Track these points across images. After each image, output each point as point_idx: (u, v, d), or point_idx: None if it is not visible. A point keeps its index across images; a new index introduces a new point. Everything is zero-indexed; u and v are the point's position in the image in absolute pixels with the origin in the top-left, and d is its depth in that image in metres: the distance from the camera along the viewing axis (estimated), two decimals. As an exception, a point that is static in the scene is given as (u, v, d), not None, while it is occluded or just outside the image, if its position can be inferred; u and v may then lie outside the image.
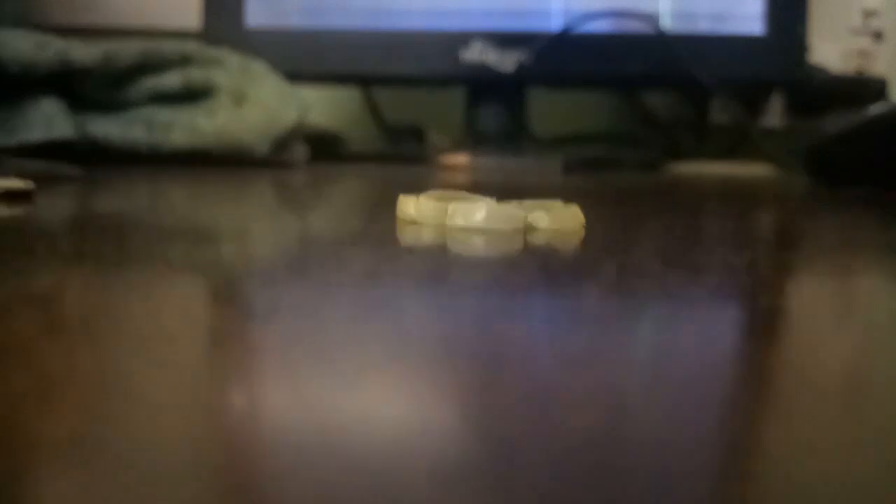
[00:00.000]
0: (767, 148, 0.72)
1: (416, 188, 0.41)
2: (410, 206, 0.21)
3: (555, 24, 0.69)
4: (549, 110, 0.82)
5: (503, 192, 0.41)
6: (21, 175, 0.37)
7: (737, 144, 0.76)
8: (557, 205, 0.23)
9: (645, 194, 0.37)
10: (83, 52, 0.52)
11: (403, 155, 0.69)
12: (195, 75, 0.56)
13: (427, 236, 0.19)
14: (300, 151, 0.61)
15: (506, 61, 0.69)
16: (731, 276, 0.14)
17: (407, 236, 0.18)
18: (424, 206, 0.21)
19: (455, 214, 0.20)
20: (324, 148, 0.70)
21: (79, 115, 0.53)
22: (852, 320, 0.11)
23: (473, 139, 0.74)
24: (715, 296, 0.12)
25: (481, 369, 0.08)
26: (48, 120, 0.51)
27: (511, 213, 0.20)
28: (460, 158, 0.68)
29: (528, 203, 0.24)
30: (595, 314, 0.11)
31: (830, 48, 0.75)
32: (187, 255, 0.15)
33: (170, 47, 0.56)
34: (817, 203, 0.36)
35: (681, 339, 0.09)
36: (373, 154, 0.70)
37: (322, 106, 0.84)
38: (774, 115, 0.74)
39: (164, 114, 0.55)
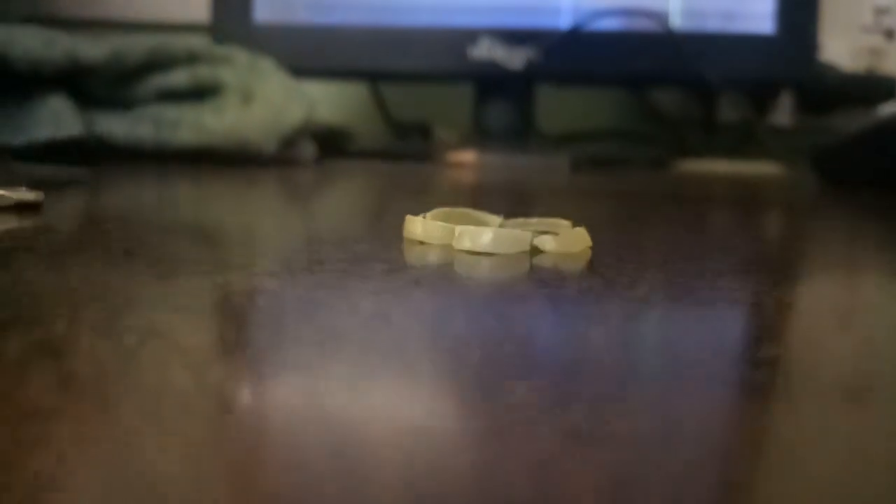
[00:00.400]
0: (776, 146, 0.72)
1: (423, 189, 0.41)
2: (418, 226, 0.21)
3: (564, 22, 0.68)
4: (557, 107, 0.82)
5: (510, 191, 0.41)
6: (30, 180, 0.37)
7: (745, 142, 0.76)
8: (565, 226, 0.23)
9: (652, 199, 0.37)
10: (91, 50, 0.52)
11: (410, 152, 0.69)
12: (203, 73, 0.56)
13: (434, 260, 0.19)
14: (308, 149, 0.61)
15: (514, 58, 0.69)
16: (739, 318, 0.14)
17: (414, 260, 0.18)
18: (431, 228, 0.21)
19: (462, 237, 0.20)
20: (332, 144, 0.70)
21: (86, 113, 0.53)
22: (869, 379, 0.11)
23: (481, 136, 0.74)
24: (719, 347, 0.12)
25: (481, 442, 0.08)
26: (56, 118, 0.51)
27: (517, 237, 0.20)
28: (467, 156, 0.68)
29: (535, 221, 0.24)
30: (596, 368, 0.11)
31: (841, 46, 0.75)
32: (194, 285, 0.15)
33: (178, 45, 0.56)
34: (826, 210, 0.36)
35: (684, 399, 0.10)
36: (380, 151, 0.70)
37: (329, 102, 0.84)
38: (784, 113, 0.74)
39: (171, 111, 0.55)
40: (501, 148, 0.69)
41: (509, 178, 0.53)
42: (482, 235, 0.20)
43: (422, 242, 0.21)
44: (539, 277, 0.17)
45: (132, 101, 0.55)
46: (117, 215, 0.25)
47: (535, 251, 0.20)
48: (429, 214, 0.23)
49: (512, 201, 0.36)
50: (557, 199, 0.39)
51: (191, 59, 0.56)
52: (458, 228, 0.20)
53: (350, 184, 0.44)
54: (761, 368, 0.11)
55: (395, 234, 0.23)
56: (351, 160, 0.68)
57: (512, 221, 0.24)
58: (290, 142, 0.59)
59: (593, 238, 0.24)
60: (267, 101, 0.57)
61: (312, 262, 0.18)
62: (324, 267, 0.17)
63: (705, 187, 0.52)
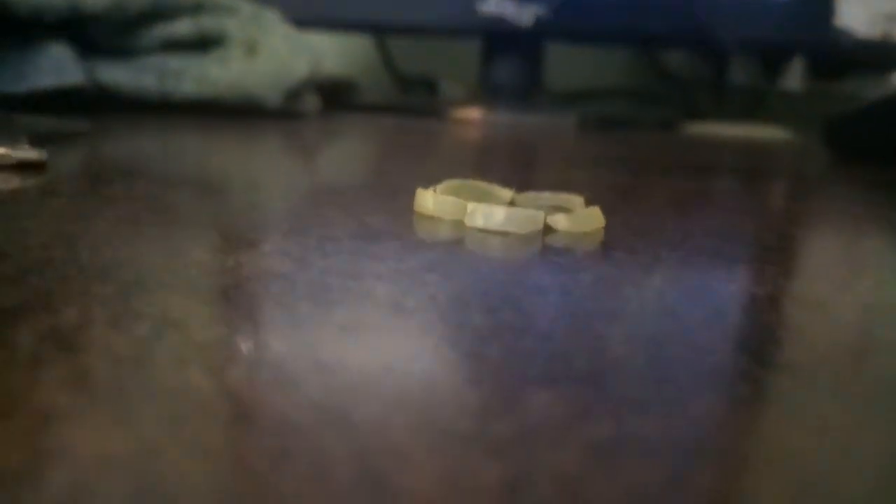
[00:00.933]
0: (786, 111, 0.71)
1: (428, 147, 0.40)
2: (429, 200, 0.21)
3: (575, -22, 0.67)
4: (565, 65, 0.81)
5: (515, 151, 0.41)
6: (31, 132, 0.36)
7: (755, 106, 0.75)
8: (578, 203, 0.23)
9: (661, 166, 0.37)
10: (94, -2, 0.51)
11: (416, 107, 0.68)
12: (207, 23, 0.55)
13: (445, 237, 0.18)
14: (312, 102, 0.61)
15: (523, 14, 0.67)
16: (753, 309, 0.14)
17: (425, 237, 0.18)
18: (442, 203, 0.20)
19: (474, 215, 0.20)
20: (336, 96, 0.69)
21: (88, 61, 0.52)
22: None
23: (487, 92, 0.73)
24: (733, 339, 0.12)
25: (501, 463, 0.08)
26: (58, 66, 0.50)
27: (531, 217, 0.19)
28: (473, 113, 0.67)
29: (547, 195, 0.24)
30: (612, 370, 0.11)
31: (857, 11, 0.74)
32: (197, 271, 0.14)
33: (182, -6, 0.54)
34: (835, 183, 0.35)
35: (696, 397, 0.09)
36: (385, 105, 0.69)
37: (335, 54, 0.83)
38: (795, 77, 0.73)
39: (175, 62, 0.54)
40: (508, 105, 0.68)
41: (515, 138, 0.53)
42: (495, 214, 0.19)
43: (433, 217, 0.21)
44: (554, 261, 0.17)
45: (135, 51, 0.54)
46: (121, 172, 0.25)
47: (548, 230, 0.20)
48: (439, 187, 0.23)
49: (517, 164, 0.36)
50: (564, 164, 0.38)
51: (195, 8, 0.55)
52: (471, 205, 0.20)
53: (354, 140, 0.43)
54: (776, 368, 0.11)
55: (401, 196, 0.22)
56: (355, 113, 0.67)
57: (524, 195, 0.24)
58: (294, 94, 0.58)
59: (603, 210, 0.23)
60: (272, 54, 0.56)
61: (323, 238, 0.18)
62: (334, 244, 0.17)
63: (713, 153, 0.51)
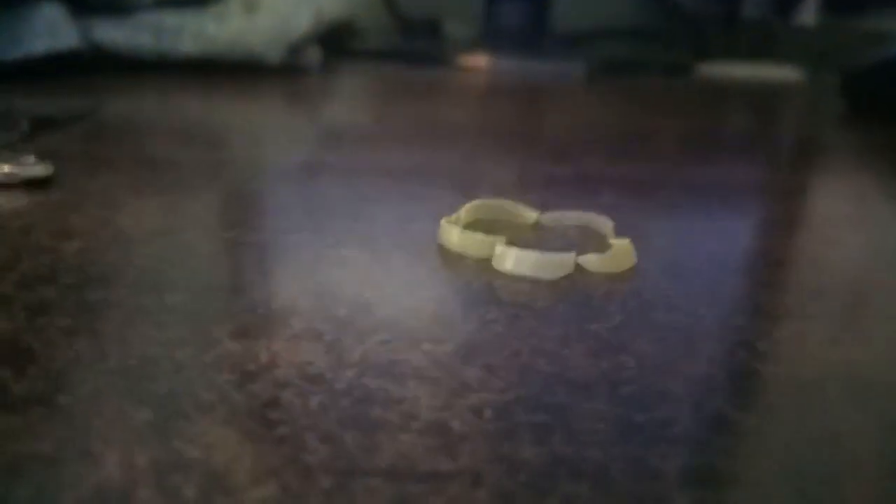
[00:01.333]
0: (801, 48, 0.69)
1: (436, 114, 0.39)
2: (454, 236, 0.20)
3: (584, -86, 0.64)
4: (572, 5, 0.78)
5: (523, 97, 0.40)
6: (32, 118, 0.35)
7: (768, 43, 0.73)
8: (607, 228, 0.22)
9: (675, 138, 0.36)
10: (84, -46, 0.49)
11: (419, 55, 0.66)
12: (203, -22, 0.52)
13: (472, 282, 0.18)
14: (313, 54, 0.59)
15: (530, -46, 0.65)
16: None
17: (456, 302, 0.18)
18: (468, 240, 0.20)
19: (503, 258, 0.19)
20: (338, 41, 0.67)
21: (83, 20, 0.51)
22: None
23: (493, 35, 0.71)
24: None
25: None
26: (52, 28, 0.49)
27: (561, 261, 0.19)
28: (479, 60, 0.65)
29: (573, 216, 0.23)
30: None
31: (877, -59, 0.71)
32: (230, 378, 0.14)
33: (175, -53, 0.52)
34: (850, 144, 0.34)
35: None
36: (388, 52, 0.67)
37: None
38: (810, 12, 0.71)
39: (171, 19, 0.52)
40: (514, 51, 0.66)
41: (522, 96, 0.52)
42: (524, 259, 0.19)
43: (458, 252, 0.20)
44: (592, 330, 0.16)
45: (130, 7, 0.52)
46: (130, 189, 0.24)
47: (579, 269, 0.20)
48: (463, 210, 0.22)
49: (525, 154, 0.35)
50: (573, 142, 0.37)
51: (190, -39, 0.53)
52: (499, 248, 0.19)
53: (357, 101, 0.42)
54: None
55: (417, 214, 0.22)
56: (357, 63, 0.65)
57: (549, 216, 0.23)
58: (295, 49, 0.56)
59: (630, 231, 0.23)
60: (272, 9, 0.54)
61: (352, 309, 0.17)
62: (366, 322, 0.17)
63: (723, 107, 0.50)
